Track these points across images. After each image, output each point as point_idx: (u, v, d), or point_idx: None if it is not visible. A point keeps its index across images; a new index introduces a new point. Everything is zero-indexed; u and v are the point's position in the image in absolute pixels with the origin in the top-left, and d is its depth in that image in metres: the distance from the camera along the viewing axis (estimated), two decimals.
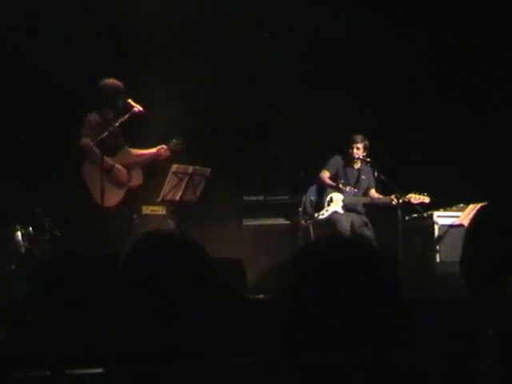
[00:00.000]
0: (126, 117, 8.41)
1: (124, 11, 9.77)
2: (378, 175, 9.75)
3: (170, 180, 8.77)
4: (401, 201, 9.54)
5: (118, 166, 8.54)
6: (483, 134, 10.24)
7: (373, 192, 10.10)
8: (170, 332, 2.17)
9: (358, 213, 9.97)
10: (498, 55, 10.31)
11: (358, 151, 9.88)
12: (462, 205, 9.49)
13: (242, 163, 10.31)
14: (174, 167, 8.77)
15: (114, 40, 9.94)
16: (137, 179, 8.67)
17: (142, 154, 8.75)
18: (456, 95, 10.47)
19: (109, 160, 8.44)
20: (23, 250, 8.79)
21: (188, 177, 8.84)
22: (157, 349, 2.15)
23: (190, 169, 8.87)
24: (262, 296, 7.81)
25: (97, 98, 8.52)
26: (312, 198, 10.02)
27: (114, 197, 8.54)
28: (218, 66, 10.22)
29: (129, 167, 8.62)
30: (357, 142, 9.87)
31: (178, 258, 2.28)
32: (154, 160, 8.77)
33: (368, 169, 10.08)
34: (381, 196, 9.94)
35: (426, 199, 9.62)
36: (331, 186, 9.98)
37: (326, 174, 10.06)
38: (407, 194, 9.60)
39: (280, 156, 10.76)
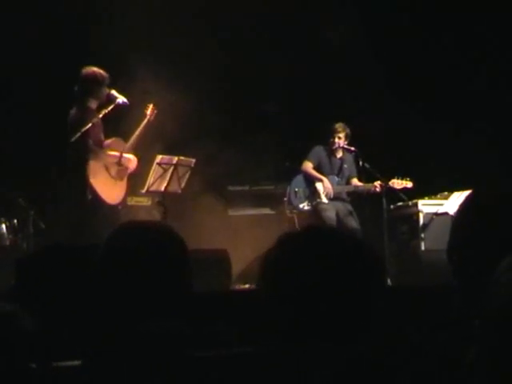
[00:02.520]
0: (110, 108, 8.25)
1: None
2: (363, 164, 9.76)
3: (155, 171, 8.73)
4: (384, 186, 9.57)
5: (125, 155, 8.42)
6: (467, 121, 10.27)
7: (355, 181, 10.11)
8: (148, 324, 2.17)
9: (342, 200, 9.97)
10: None
11: (340, 140, 9.89)
12: (446, 193, 9.52)
13: (227, 153, 10.29)
14: (159, 158, 8.73)
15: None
16: (133, 163, 8.59)
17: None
18: (441, 82, 10.50)
19: (114, 153, 8.39)
20: (8, 242, 8.76)
21: (173, 167, 8.81)
22: (137, 341, 2.14)
23: (175, 159, 8.83)
24: (247, 286, 7.84)
25: (79, 87, 8.28)
26: (296, 189, 10.02)
27: (119, 192, 8.50)
28: (202, 50, 10.19)
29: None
30: (338, 132, 9.87)
31: (155, 248, 2.27)
32: (145, 131, 8.63)
33: (350, 158, 10.10)
34: (364, 184, 9.95)
35: (409, 184, 9.66)
36: (314, 177, 9.98)
37: (308, 165, 10.06)
38: (390, 180, 9.64)
39: (266, 146, 10.75)
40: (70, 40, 9.76)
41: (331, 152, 10.09)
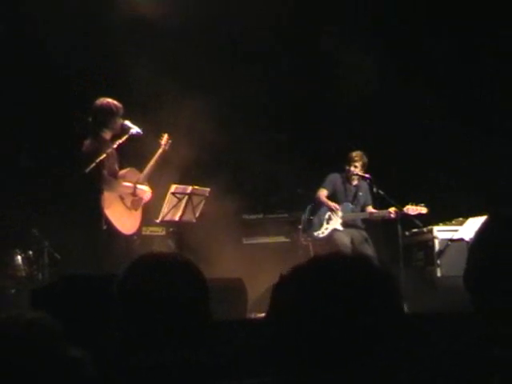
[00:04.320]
0: (124, 138, 8.23)
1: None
2: (377, 191, 9.73)
3: (169, 200, 8.74)
4: (399, 213, 9.54)
5: (138, 186, 8.48)
6: (482, 148, 10.24)
7: (370, 209, 10.08)
8: (166, 354, 2.16)
9: (357, 228, 9.95)
10: None
11: (356, 169, 9.88)
12: (461, 218, 9.49)
13: (241, 182, 10.31)
14: (173, 187, 8.74)
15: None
16: (147, 194, 8.60)
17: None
18: (454, 109, 10.49)
19: (128, 184, 8.42)
20: (24, 273, 8.77)
21: (187, 197, 8.81)
22: (155, 371, 2.14)
23: (189, 189, 8.84)
24: (263, 315, 7.80)
25: (93, 118, 8.29)
26: (311, 217, 10.00)
27: (134, 222, 8.51)
28: (219, 80, 10.25)
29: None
30: (355, 161, 9.86)
31: (172, 279, 2.28)
32: (160, 160, 8.66)
33: (366, 186, 10.08)
34: (379, 210, 9.92)
35: (424, 210, 9.62)
36: (328, 206, 9.95)
37: (323, 193, 10.04)
38: (404, 207, 9.61)
39: (279, 174, 10.75)
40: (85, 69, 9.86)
41: (347, 179, 10.08)
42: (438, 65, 10.67)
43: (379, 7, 10.55)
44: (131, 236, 8.48)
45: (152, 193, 8.59)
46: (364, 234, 9.88)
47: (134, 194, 8.42)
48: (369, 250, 9.61)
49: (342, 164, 10.03)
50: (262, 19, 10.08)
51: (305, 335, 1.82)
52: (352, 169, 9.89)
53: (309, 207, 10.08)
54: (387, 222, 9.83)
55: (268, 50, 10.67)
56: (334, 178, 10.10)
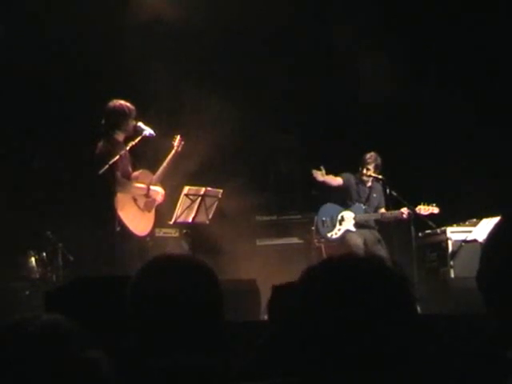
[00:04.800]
0: (137, 140, 8.29)
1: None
2: (390, 192, 9.73)
3: (183, 202, 8.75)
4: (411, 213, 9.53)
5: (152, 187, 8.51)
6: (496, 148, 10.21)
7: (383, 211, 10.07)
8: (179, 356, 2.17)
9: (370, 228, 9.95)
10: None
11: (369, 171, 9.88)
12: (474, 219, 9.47)
13: (254, 183, 10.31)
14: (186, 189, 8.75)
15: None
16: (160, 195, 8.63)
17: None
18: (467, 108, 10.45)
19: (141, 185, 8.45)
20: (37, 275, 8.80)
21: (200, 198, 8.83)
22: (168, 374, 2.14)
23: (202, 190, 8.85)
24: None
25: (106, 120, 8.32)
26: (324, 218, 10.01)
27: (147, 224, 8.54)
28: (227, 86, 10.27)
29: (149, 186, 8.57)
30: (368, 163, 9.87)
31: (186, 281, 2.28)
32: (173, 162, 8.70)
33: (379, 187, 10.08)
34: (391, 211, 9.91)
35: (436, 209, 9.61)
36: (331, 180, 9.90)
37: (337, 178, 9.99)
38: (416, 207, 9.60)
39: (292, 175, 10.75)
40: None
41: (361, 180, 10.07)
42: (450, 62, 10.63)
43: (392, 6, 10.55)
44: (144, 237, 8.51)
45: (165, 194, 8.61)
46: (377, 234, 9.88)
47: (147, 195, 8.45)
48: (382, 251, 9.60)
49: (355, 165, 10.03)
50: (277, 19, 10.12)
51: (317, 336, 1.82)
52: (365, 171, 9.90)
53: (321, 209, 10.08)
54: (400, 222, 9.82)
55: (282, 50, 10.68)
56: (349, 176, 10.09)
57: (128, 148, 8.28)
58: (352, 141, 10.39)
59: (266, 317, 7.76)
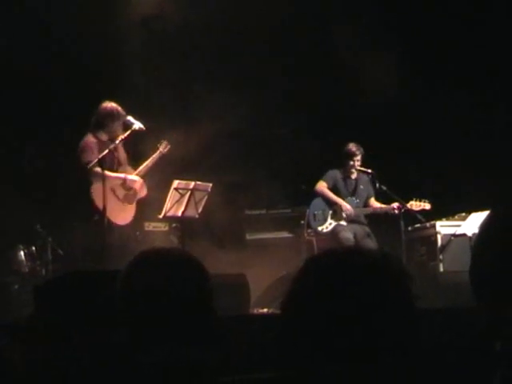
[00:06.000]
0: (127, 134, 8.38)
1: None
2: (380, 186, 9.74)
3: (172, 196, 8.75)
4: (403, 209, 9.56)
5: (128, 176, 8.56)
6: (485, 143, 10.23)
7: (373, 201, 10.10)
8: (169, 350, 2.17)
9: (360, 223, 9.96)
10: None
11: (358, 163, 9.90)
12: (463, 214, 9.49)
13: (243, 177, 10.31)
14: (176, 183, 8.75)
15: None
16: (138, 184, 8.67)
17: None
18: (456, 104, 10.47)
19: (117, 174, 8.49)
20: (27, 269, 8.79)
21: (189, 192, 8.83)
22: (159, 368, 2.14)
23: (192, 184, 8.85)
24: (266, 310, 7.81)
25: (94, 118, 8.53)
26: (315, 212, 10.01)
27: (127, 214, 8.59)
28: (223, 76, 10.27)
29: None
30: (356, 154, 9.87)
31: (175, 275, 2.28)
32: (157, 163, 8.76)
33: (365, 178, 10.08)
34: (382, 205, 9.94)
35: (427, 206, 9.64)
36: (330, 199, 9.95)
37: (323, 185, 10.03)
38: (407, 202, 9.62)
39: (282, 169, 10.75)
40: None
41: (346, 174, 10.07)
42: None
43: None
44: (125, 227, 8.55)
45: (146, 187, 8.67)
46: (367, 229, 9.90)
47: (125, 186, 8.50)
48: (371, 244, 9.62)
49: (339, 160, 10.03)
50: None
51: (322, 327, 1.82)
52: (355, 164, 9.90)
53: (312, 202, 10.09)
54: (389, 216, 9.83)
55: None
56: (334, 173, 10.11)
57: (117, 142, 8.37)
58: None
59: (255, 311, 7.79)
